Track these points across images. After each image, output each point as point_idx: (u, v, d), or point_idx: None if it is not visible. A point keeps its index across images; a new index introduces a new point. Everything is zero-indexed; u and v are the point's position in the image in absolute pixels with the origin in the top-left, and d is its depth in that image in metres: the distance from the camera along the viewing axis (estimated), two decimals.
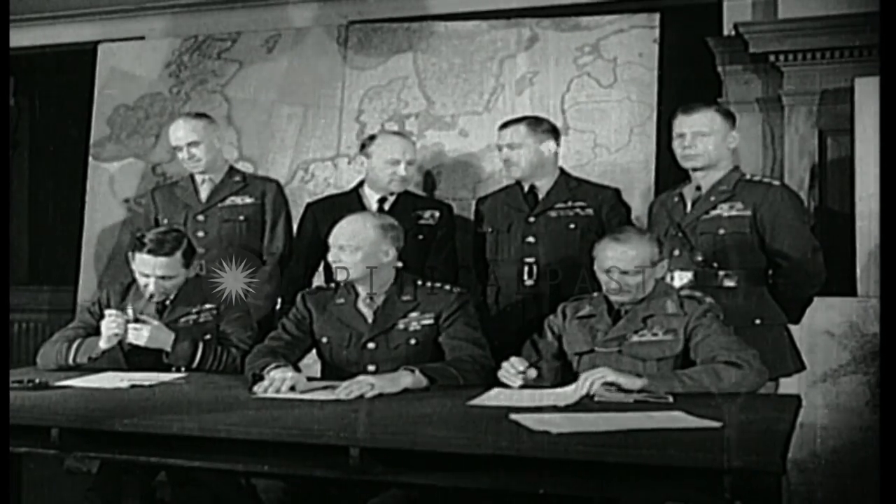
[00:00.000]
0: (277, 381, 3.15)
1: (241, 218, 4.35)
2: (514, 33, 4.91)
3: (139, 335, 3.61)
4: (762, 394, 3.15)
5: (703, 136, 3.68)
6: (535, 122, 4.09)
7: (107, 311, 3.68)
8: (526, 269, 4.02)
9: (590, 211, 4.02)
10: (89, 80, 5.44)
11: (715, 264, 3.64)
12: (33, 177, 6.53)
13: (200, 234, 4.30)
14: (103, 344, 3.63)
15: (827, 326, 4.32)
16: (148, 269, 3.72)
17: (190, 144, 4.33)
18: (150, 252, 3.72)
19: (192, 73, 5.30)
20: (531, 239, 4.03)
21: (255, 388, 3.18)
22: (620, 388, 2.96)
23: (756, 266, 3.65)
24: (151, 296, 3.76)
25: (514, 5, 5.22)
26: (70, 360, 3.67)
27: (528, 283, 4.02)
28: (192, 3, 5.80)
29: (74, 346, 3.70)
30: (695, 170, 3.74)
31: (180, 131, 4.35)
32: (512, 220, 4.09)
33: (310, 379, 3.35)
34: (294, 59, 5.18)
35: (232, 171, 4.48)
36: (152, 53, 5.43)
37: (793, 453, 2.50)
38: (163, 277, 3.74)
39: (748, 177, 3.75)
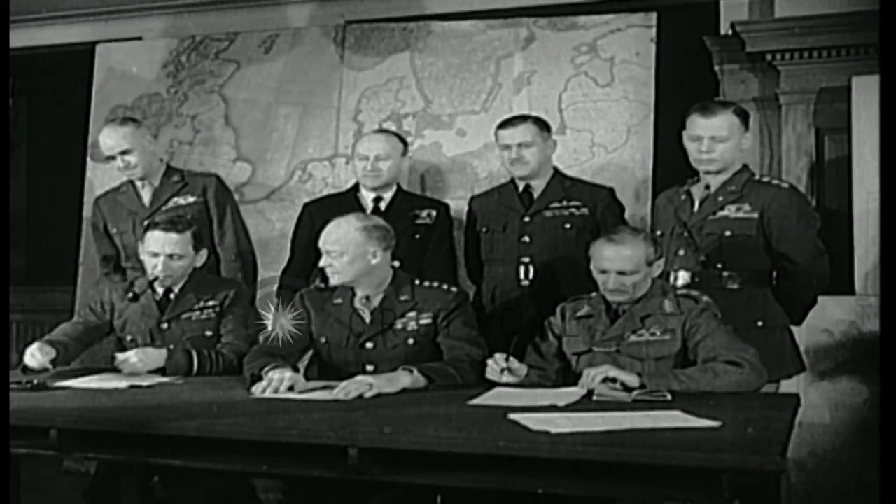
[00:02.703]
0: (276, 381, 3.15)
1: (188, 218, 4.30)
2: (512, 33, 4.91)
3: (130, 366, 3.60)
4: (761, 393, 3.15)
5: (721, 142, 3.61)
6: (539, 121, 4.10)
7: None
8: (521, 268, 4.03)
9: (585, 210, 4.02)
10: (87, 80, 5.43)
11: (719, 265, 3.61)
12: (31, 177, 6.52)
13: None
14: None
15: (826, 325, 4.32)
16: (158, 246, 3.73)
17: (123, 153, 4.27)
18: (162, 229, 3.75)
19: (189, 74, 5.29)
20: (526, 238, 4.04)
21: (254, 389, 3.18)
22: (622, 385, 2.97)
23: (760, 268, 3.63)
24: (156, 278, 3.75)
25: (511, 5, 5.22)
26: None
27: (524, 282, 4.02)
28: (189, 4, 5.80)
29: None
30: (707, 172, 3.71)
31: (109, 140, 4.28)
32: (507, 219, 4.09)
33: (308, 379, 3.35)
34: (291, 60, 5.18)
35: (169, 170, 4.44)
36: (150, 54, 5.43)
37: (792, 452, 2.50)
38: (171, 256, 3.74)
39: (757, 177, 3.71)
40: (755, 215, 3.60)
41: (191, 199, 4.35)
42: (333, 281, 3.49)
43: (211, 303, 3.82)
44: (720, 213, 3.64)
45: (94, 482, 3.72)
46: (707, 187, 3.71)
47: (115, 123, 4.38)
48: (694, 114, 3.67)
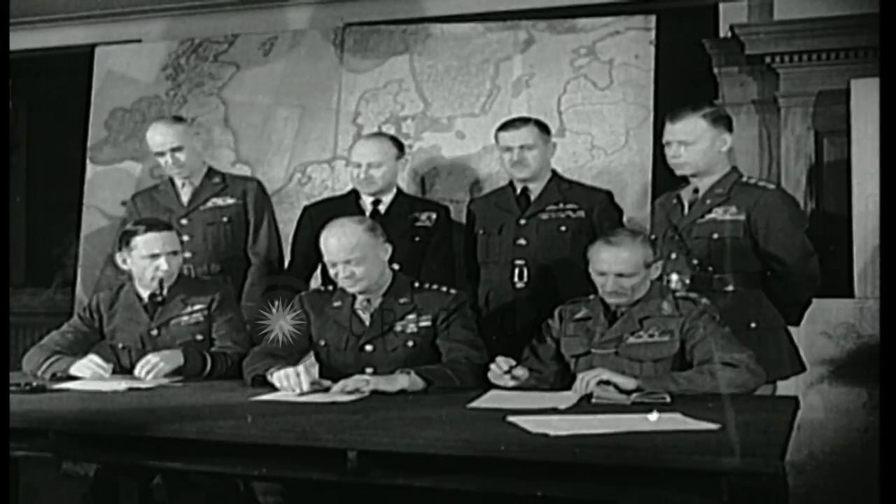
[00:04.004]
0: (293, 377, 3.17)
1: (225, 219, 4.33)
2: (511, 35, 4.91)
3: (153, 365, 3.55)
4: (760, 395, 3.16)
5: (686, 145, 3.65)
6: (541, 124, 4.11)
7: (92, 358, 3.65)
8: (516, 270, 4.02)
9: (581, 213, 4.02)
10: (86, 83, 5.42)
11: (710, 268, 3.63)
12: (31, 179, 6.52)
13: (185, 237, 4.24)
14: (74, 370, 3.62)
15: (824, 328, 4.32)
16: (158, 246, 3.74)
17: (174, 150, 4.29)
18: (153, 230, 3.77)
19: (188, 76, 5.29)
20: (522, 241, 4.03)
21: (273, 380, 3.22)
22: (616, 387, 2.98)
23: (751, 270, 3.63)
24: (161, 280, 3.75)
25: (509, 8, 5.22)
26: (39, 372, 3.67)
27: (519, 285, 4.02)
28: (188, 6, 5.79)
29: (48, 361, 3.69)
30: (684, 176, 3.73)
31: (159, 136, 4.30)
32: (503, 221, 4.09)
33: None
34: (290, 62, 5.17)
35: (210, 172, 4.46)
36: (149, 56, 5.42)
37: (791, 455, 2.50)
38: (173, 253, 3.77)
39: (745, 179, 3.71)
40: (742, 217, 3.62)
41: (230, 201, 4.37)
42: (356, 289, 3.48)
43: (198, 306, 3.81)
44: (708, 216, 3.66)
45: (93, 485, 3.71)
46: (695, 191, 3.73)
47: (168, 121, 4.41)
48: (666, 121, 3.74)
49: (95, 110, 5.38)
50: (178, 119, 4.46)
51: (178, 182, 4.41)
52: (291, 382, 3.17)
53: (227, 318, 3.81)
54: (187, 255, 4.22)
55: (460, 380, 3.27)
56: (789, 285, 3.64)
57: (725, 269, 3.62)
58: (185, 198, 4.39)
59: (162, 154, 4.32)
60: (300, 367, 3.22)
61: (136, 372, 3.55)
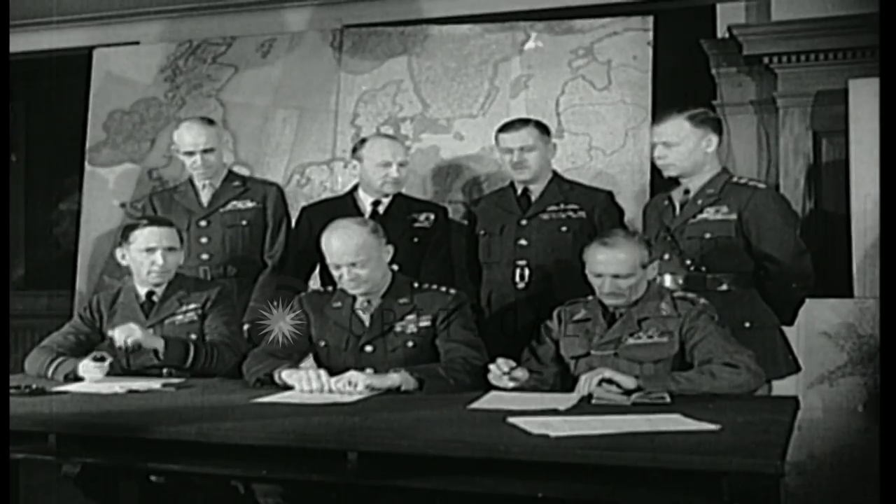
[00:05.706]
0: (315, 379, 3.20)
1: (244, 223, 4.33)
2: (509, 37, 4.91)
3: (131, 337, 3.58)
4: (760, 396, 3.16)
5: (670, 146, 3.68)
6: (540, 125, 4.11)
7: (91, 361, 3.63)
8: (518, 271, 4.03)
9: (582, 213, 4.03)
10: (85, 85, 5.43)
11: (703, 268, 3.63)
12: (29, 182, 6.52)
13: (203, 239, 4.28)
14: (82, 372, 3.61)
15: (824, 328, 4.32)
16: (155, 240, 3.76)
17: (205, 151, 4.29)
18: (155, 223, 3.81)
19: (187, 78, 5.29)
20: (523, 241, 4.04)
21: (289, 381, 3.26)
22: (619, 386, 2.98)
23: (744, 269, 3.64)
24: (156, 275, 3.76)
25: (508, 9, 5.23)
26: (48, 375, 3.67)
27: (520, 285, 4.02)
28: (186, 8, 5.80)
29: (56, 363, 3.68)
30: (676, 176, 3.75)
31: (191, 137, 4.30)
32: (504, 222, 4.10)
33: None
34: (289, 64, 5.18)
35: (230, 175, 4.46)
36: (147, 58, 5.43)
37: (791, 455, 2.50)
38: (170, 249, 3.79)
39: (735, 179, 3.72)
40: (733, 217, 3.63)
41: (250, 205, 4.37)
42: (359, 290, 3.48)
43: (193, 305, 3.82)
44: (700, 216, 3.67)
45: (90, 486, 3.70)
46: (686, 192, 3.74)
47: (201, 122, 4.40)
48: (653, 123, 3.80)
49: (94, 112, 5.39)
50: (210, 121, 4.44)
51: (199, 183, 4.40)
52: (314, 385, 3.19)
53: (219, 312, 3.81)
54: (205, 256, 4.25)
55: (454, 379, 3.26)
56: (782, 284, 3.65)
57: (718, 269, 3.64)
58: (204, 199, 4.39)
59: (191, 154, 4.31)
60: (321, 371, 3.25)
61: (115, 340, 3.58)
